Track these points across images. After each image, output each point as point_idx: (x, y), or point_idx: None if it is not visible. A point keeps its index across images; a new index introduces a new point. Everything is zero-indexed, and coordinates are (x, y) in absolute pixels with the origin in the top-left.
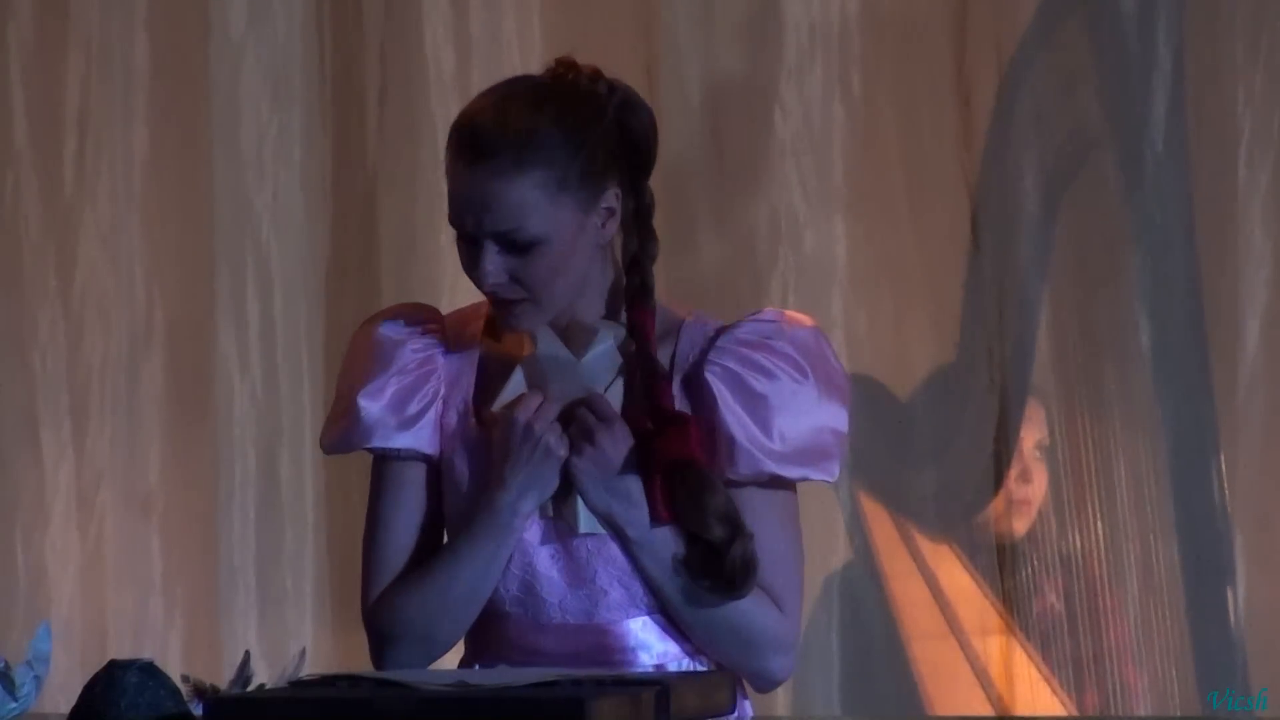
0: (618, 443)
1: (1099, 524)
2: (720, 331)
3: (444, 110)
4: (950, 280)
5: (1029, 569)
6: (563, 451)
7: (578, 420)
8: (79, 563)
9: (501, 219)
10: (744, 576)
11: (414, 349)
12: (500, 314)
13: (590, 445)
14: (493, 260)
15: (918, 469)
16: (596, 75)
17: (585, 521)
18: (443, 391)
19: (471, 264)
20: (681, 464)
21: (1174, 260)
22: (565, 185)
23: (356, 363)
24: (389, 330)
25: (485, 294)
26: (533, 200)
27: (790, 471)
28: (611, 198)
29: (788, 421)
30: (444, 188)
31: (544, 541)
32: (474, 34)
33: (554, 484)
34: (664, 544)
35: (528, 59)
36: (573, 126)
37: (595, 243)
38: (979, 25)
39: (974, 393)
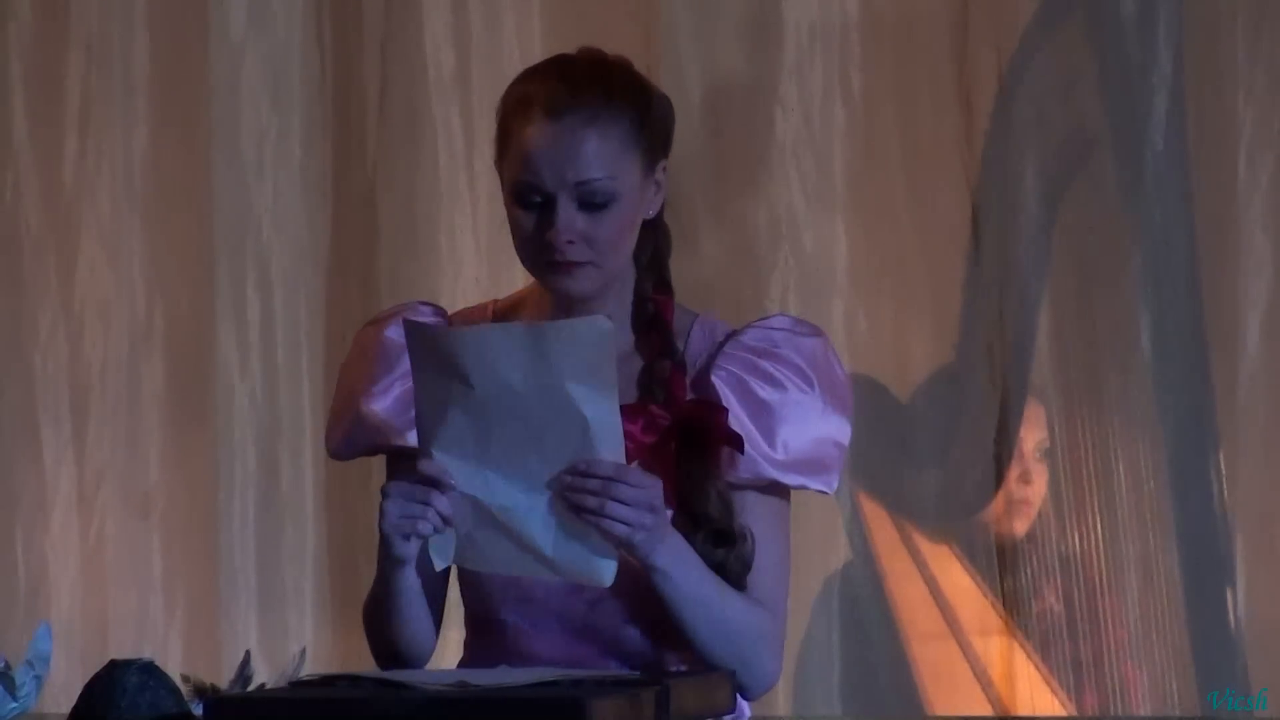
0: (662, 510)
1: (1099, 524)
2: (729, 336)
3: (444, 110)
4: (950, 280)
5: (1029, 569)
6: (398, 551)
7: (620, 501)
8: (79, 563)
9: (586, 167)
10: (739, 576)
11: None
12: (558, 279)
13: (645, 529)
14: (570, 217)
15: (918, 469)
16: (629, 62)
17: (605, 574)
18: None
19: (541, 228)
20: (725, 443)
21: (1174, 260)
22: (637, 142)
23: (361, 365)
24: (393, 333)
25: (547, 262)
26: (614, 149)
27: (790, 479)
28: (661, 171)
29: (791, 431)
30: (444, 187)
31: None
32: (474, 34)
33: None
34: (687, 555)
35: (528, 59)
36: (637, 92)
37: (643, 215)
38: (979, 25)
39: (974, 393)
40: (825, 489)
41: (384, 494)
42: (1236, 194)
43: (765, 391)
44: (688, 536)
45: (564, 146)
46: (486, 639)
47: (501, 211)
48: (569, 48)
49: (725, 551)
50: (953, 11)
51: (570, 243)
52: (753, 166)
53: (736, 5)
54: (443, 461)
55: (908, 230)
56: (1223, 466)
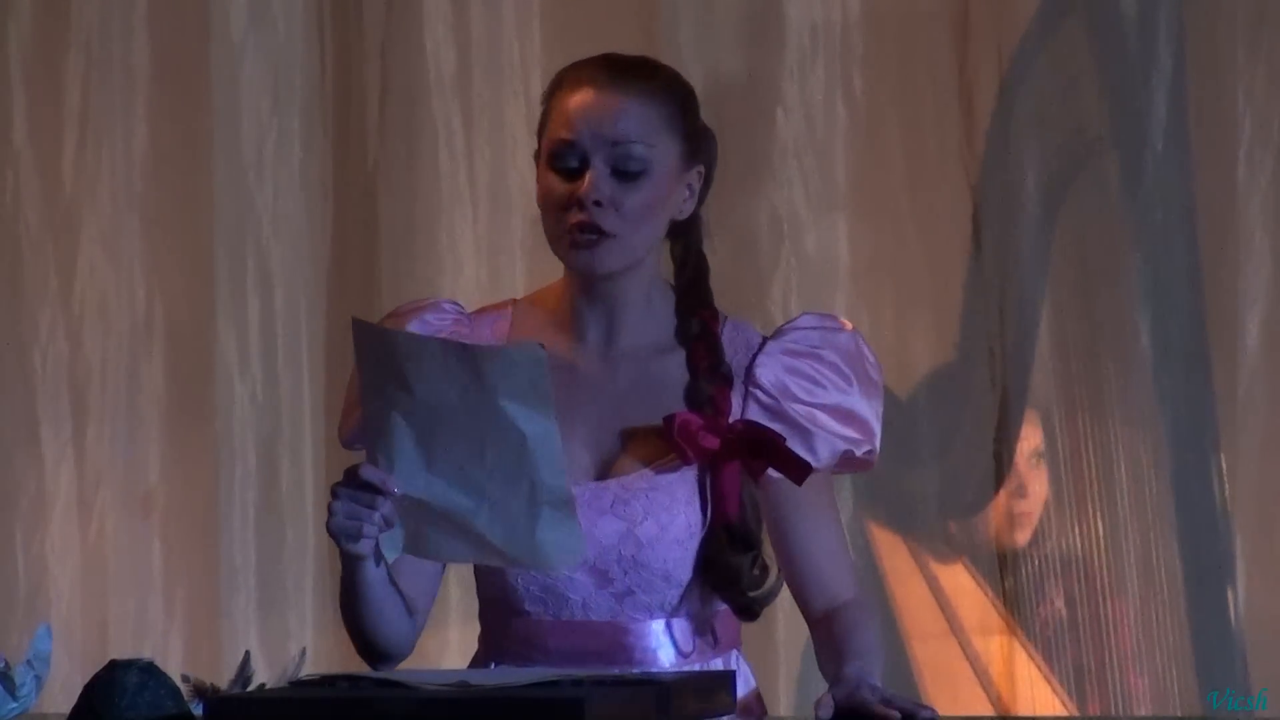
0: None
1: (1099, 524)
2: (765, 340)
3: (444, 110)
4: (951, 280)
5: (1029, 568)
6: (349, 549)
7: None
8: (79, 563)
9: (625, 128)
10: (754, 583)
11: None
12: (579, 253)
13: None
14: (602, 178)
15: (918, 469)
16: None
17: (563, 560)
18: None
19: (570, 191)
20: (789, 470)
21: (1174, 260)
22: (677, 127)
23: None
24: (416, 327)
25: (573, 224)
26: (654, 120)
27: (862, 447)
28: (695, 176)
29: (829, 415)
30: (444, 187)
31: None
32: (474, 34)
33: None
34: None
35: (528, 59)
36: (682, 86)
37: (672, 212)
38: (979, 25)
39: (974, 393)
40: (869, 446)
41: (333, 494)
42: (1236, 194)
43: (809, 394)
44: (723, 552)
45: (607, 107)
46: (504, 632)
47: (502, 212)
48: (569, 48)
49: (751, 558)
50: (953, 11)
51: (598, 203)
52: (754, 167)
53: (737, 5)
54: (387, 465)
55: (909, 230)
56: (1223, 466)
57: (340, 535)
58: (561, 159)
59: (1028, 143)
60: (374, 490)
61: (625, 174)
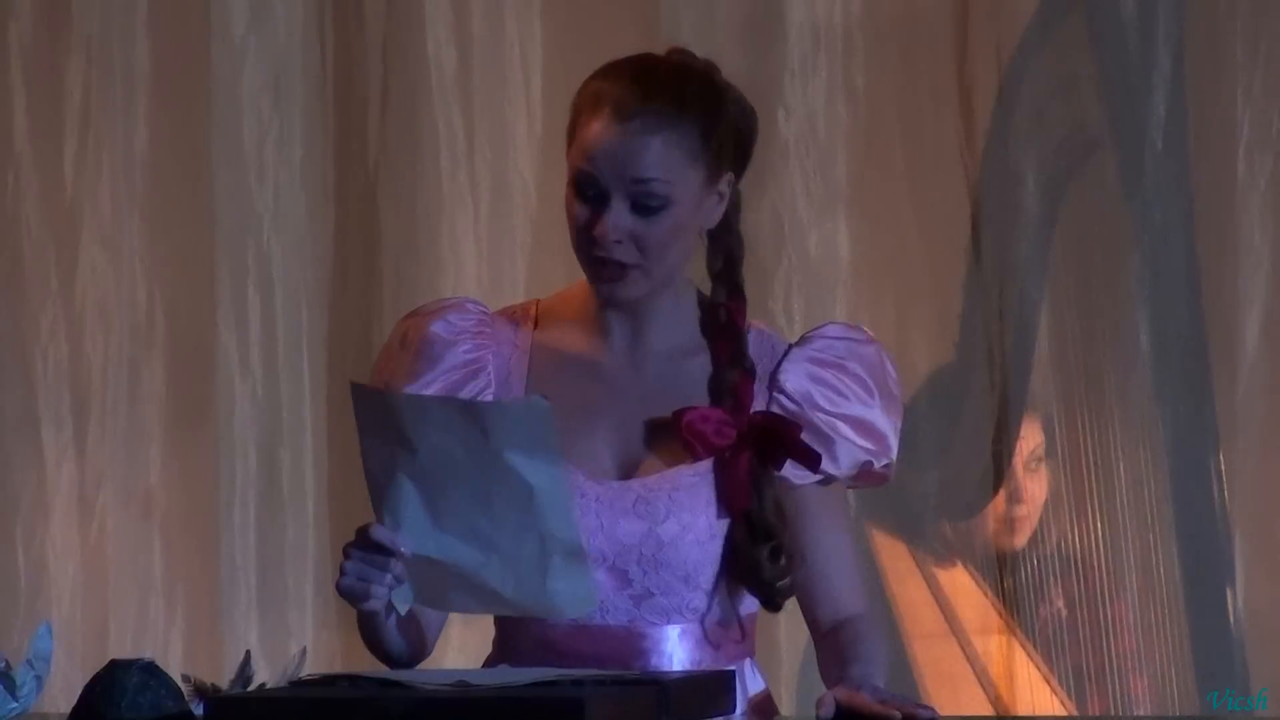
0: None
1: (1099, 524)
2: (790, 347)
3: (445, 111)
4: (951, 280)
5: (1029, 569)
6: (360, 608)
7: None
8: (79, 563)
9: (644, 167)
10: (778, 577)
11: (465, 350)
12: (603, 283)
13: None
14: (621, 216)
15: (918, 469)
16: (715, 69)
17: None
18: (493, 390)
19: (590, 224)
20: (800, 458)
21: (1174, 260)
22: (700, 155)
23: (403, 358)
24: (440, 329)
25: (594, 257)
26: (675, 157)
27: (880, 460)
28: (725, 183)
29: (852, 427)
30: (445, 187)
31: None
32: (475, 34)
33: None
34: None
35: (529, 59)
36: (709, 105)
37: (701, 224)
38: (979, 26)
39: (973, 393)
40: (887, 459)
41: (344, 554)
42: (1235, 194)
43: (831, 404)
44: (743, 542)
45: (627, 145)
46: (519, 634)
47: (503, 212)
48: (571, 49)
49: (770, 549)
50: (953, 12)
51: (618, 242)
52: (756, 167)
53: (737, 5)
54: (394, 525)
55: (909, 230)
56: (1223, 467)
57: (350, 596)
58: (583, 187)
59: (1027, 143)
60: (385, 552)
61: (646, 208)
